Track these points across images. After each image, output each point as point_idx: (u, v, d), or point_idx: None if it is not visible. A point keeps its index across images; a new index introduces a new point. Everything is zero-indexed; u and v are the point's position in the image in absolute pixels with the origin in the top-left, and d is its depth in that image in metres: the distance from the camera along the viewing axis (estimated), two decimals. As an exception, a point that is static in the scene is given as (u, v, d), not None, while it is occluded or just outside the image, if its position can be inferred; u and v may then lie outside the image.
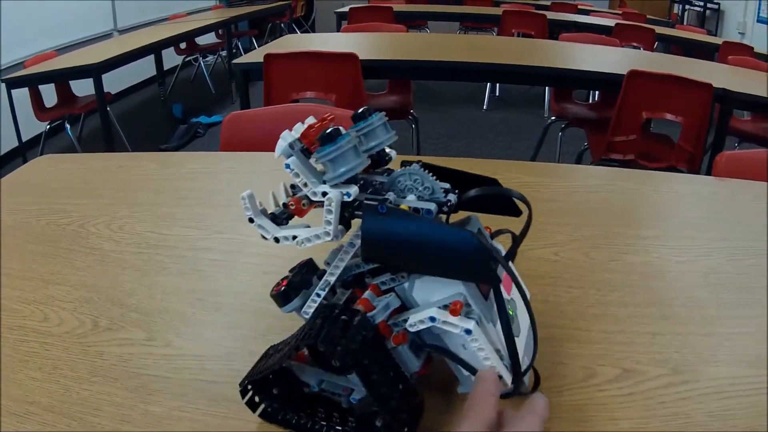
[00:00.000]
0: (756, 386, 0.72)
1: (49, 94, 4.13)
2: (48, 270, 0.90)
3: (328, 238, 0.59)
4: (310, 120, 0.63)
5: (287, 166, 0.58)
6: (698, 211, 1.24)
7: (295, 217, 0.64)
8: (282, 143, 0.60)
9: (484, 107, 6.00)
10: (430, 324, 0.58)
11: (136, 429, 0.62)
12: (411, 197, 0.61)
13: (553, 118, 3.80)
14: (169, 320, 0.79)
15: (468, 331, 0.57)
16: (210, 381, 0.70)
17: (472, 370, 0.59)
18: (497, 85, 6.32)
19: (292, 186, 0.64)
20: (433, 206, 0.59)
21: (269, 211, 0.64)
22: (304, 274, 0.67)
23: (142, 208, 1.10)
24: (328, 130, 0.58)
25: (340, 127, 0.58)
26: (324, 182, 0.59)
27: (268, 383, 0.64)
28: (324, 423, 0.64)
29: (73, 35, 5.38)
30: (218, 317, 0.81)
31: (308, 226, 0.61)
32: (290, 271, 0.68)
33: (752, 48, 5.02)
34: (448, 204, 0.61)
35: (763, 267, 0.99)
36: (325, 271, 0.66)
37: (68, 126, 4.17)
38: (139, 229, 1.03)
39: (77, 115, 4.52)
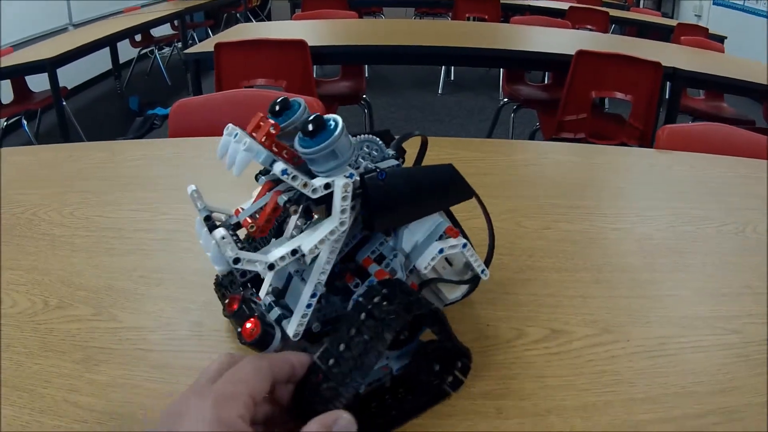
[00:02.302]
0: (686, 345, 0.75)
1: (4, 91, 4.09)
2: (2, 257, 0.92)
3: (343, 229, 0.56)
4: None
5: (284, 171, 0.53)
6: (635, 182, 1.29)
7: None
8: (244, 149, 0.55)
9: (439, 91, 6.03)
10: (439, 257, 0.63)
11: (82, 396, 0.65)
12: (365, 164, 0.61)
13: (506, 99, 3.85)
14: (115, 296, 0.82)
15: (465, 245, 0.66)
16: (150, 350, 0.73)
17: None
18: (452, 69, 6.35)
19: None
20: (395, 163, 0.62)
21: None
22: (249, 301, 0.62)
23: (91, 195, 1.12)
24: (310, 117, 0.55)
25: (318, 114, 0.56)
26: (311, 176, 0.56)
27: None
28: (386, 410, 0.62)
29: (28, 31, 5.31)
30: (160, 291, 0.84)
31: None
32: (223, 297, 0.69)
33: (707, 30, 5.12)
34: (401, 162, 0.64)
35: (698, 233, 1.03)
36: (260, 281, 0.67)
37: (25, 122, 4.13)
38: (89, 214, 1.05)
39: (34, 112, 4.48)
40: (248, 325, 0.58)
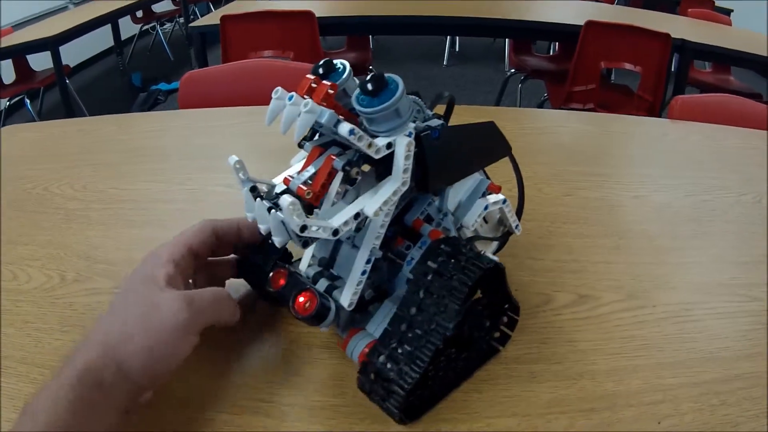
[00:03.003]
0: (710, 312, 0.76)
1: (6, 71, 4.07)
2: (15, 233, 0.91)
3: (405, 189, 0.55)
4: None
5: (351, 132, 0.50)
6: (651, 151, 1.28)
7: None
8: (306, 110, 0.50)
9: (444, 63, 6.00)
10: (485, 213, 0.66)
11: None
12: (415, 124, 0.57)
13: (513, 70, 3.83)
14: (134, 267, 0.81)
15: (505, 201, 0.70)
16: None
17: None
18: (457, 40, 6.31)
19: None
20: (440, 122, 0.60)
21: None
22: (294, 275, 0.61)
23: (103, 168, 1.11)
24: (370, 76, 0.53)
25: (379, 72, 0.54)
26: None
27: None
28: (444, 373, 0.61)
29: (28, 10, 5.29)
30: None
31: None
32: (255, 275, 0.68)
33: (713, 2, 5.08)
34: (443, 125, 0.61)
35: (716, 202, 1.03)
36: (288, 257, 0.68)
37: (28, 101, 4.13)
38: (102, 187, 1.04)
39: (36, 90, 4.47)
40: (301, 299, 0.57)
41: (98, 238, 0.89)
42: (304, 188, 0.54)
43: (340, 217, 0.53)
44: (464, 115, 1.34)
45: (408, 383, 0.53)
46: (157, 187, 1.05)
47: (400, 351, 0.54)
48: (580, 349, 0.68)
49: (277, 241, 0.54)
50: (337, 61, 0.58)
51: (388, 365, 0.54)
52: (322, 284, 0.60)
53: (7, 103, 4.30)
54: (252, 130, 1.30)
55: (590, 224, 0.94)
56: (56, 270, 0.82)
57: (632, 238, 0.91)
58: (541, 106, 3.58)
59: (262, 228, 0.55)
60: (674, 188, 1.07)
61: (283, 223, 0.52)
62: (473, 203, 0.65)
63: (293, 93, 0.52)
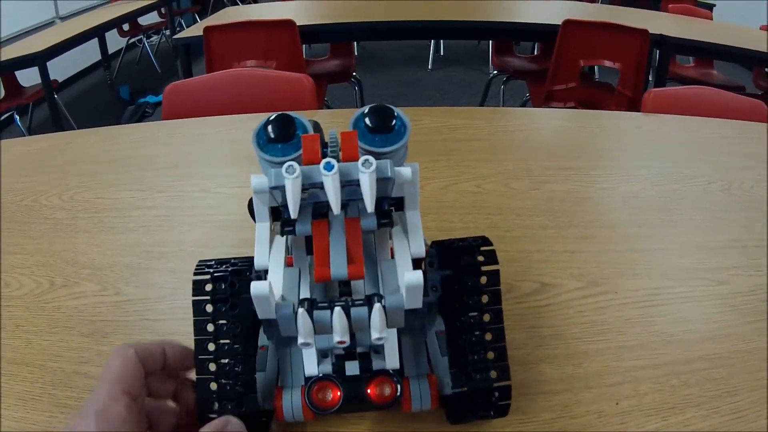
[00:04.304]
0: (675, 296, 0.78)
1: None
2: (5, 242, 0.94)
3: None
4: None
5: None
6: (622, 144, 1.31)
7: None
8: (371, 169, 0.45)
9: (429, 67, 6.02)
10: None
11: (93, 367, 0.67)
12: None
13: (495, 72, 3.86)
14: (119, 272, 0.85)
15: None
16: (156, 319, 0.76)
17: None
18: (441, 44, 6.34)
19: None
20: None
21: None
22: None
23: (90, 178, 1.14)
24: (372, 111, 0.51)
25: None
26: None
27: None
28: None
29: (15, 26, 5.30)
30: (162, 264, 0.87)
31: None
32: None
33: (695, -3, 5.12)
34: None
35: (685, 191, 1.05)
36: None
37: (17, 117, 4.14)
38: (89, 197, 1.07)
39: (26, 106, 4.48)
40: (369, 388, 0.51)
41: (84, 245, 0.92)
42: None
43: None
44: (443, 116, 1.39)
45: None
46: (141, 194, 1.07)
47: None
48: (540, 335, 0.71)
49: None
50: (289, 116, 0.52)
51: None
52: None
53: (-3, 119, 4.32)
54: (236, 137, 1.32)
55: (556, 216, 0.97)
56: (45, 276, 0.85)
57: (598, 228, 0.94)
58: (523, 106, 3.61)
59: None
60: (643, 179, 1.10)
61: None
62: None
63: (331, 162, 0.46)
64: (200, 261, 0.54)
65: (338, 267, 0.48)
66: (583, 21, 2.90)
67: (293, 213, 0.46)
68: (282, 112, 0.50)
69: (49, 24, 5.80)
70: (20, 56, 3.69)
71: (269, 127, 0.49)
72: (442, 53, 6.39)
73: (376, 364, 0.52)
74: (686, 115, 1.45)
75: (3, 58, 3.64)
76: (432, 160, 1.15)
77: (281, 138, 0.49)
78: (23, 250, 0.92)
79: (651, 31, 2.78)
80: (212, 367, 0.51)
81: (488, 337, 0.54)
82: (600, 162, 1.19)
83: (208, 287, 0.52)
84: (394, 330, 0.51)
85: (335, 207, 0.45)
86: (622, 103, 2.94)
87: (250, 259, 0.53)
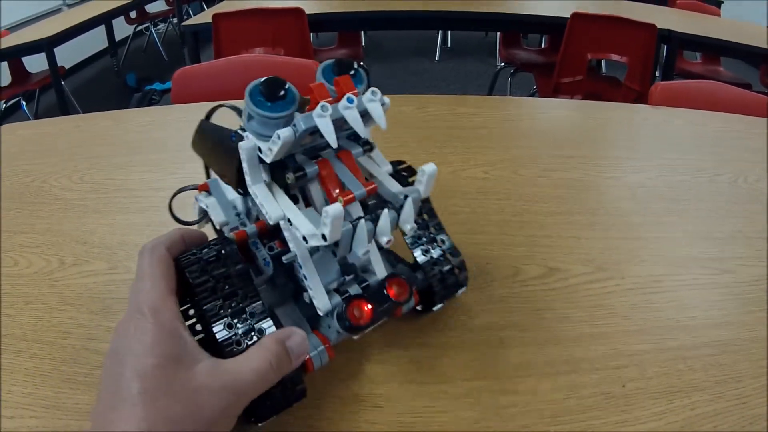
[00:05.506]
0: (680, 283, 0.78)
1: (2, 73, 4.10)
2: (14, 222, 0.94)
3: None
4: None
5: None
6: (630, 135, 1.30)
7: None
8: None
9: (436, 58, 6.02)
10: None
11: (103, 344, 0.68)
12: None
13: (503, 64, 3.86)
14: (129, 251, 0.85)
15: None
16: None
17: None
18: (448, 36, 6.33)
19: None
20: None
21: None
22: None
23: (100, 160, 1.14)
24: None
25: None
26: None
27: None
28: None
29: (23, 13, 5.30)
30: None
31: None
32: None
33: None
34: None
35: (691, 182, 1.05)
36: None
37: (24, 103, 4.15)
38: (98, 178, 1.07)
39: (32, 92, 4.49)
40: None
41: (94, 224, 0.92)
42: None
43: None
44: (451, 104, 1.39)
45: None
46: (151, 176, 1.08)
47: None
48: (547, 317, 0.72)
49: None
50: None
51: None
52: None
53: (4, 105, 4.32)
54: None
55: (564, 203, 0.97)
56: (55, 255, 0.85)
57: (605, 215, 0.94)
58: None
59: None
60: (650, 169, 1.10)
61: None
62: None
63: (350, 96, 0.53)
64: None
65: (357, 188, 0.55)
66: (592, 14, 2.90)
67: (333, 143, 0.51)
68: (273, 76, 0.53)
69: (56, 10, 5.80)
70: (28, 42, 3.70)
71: (267, 88, 0.52)
72: (449, 44, 6.38)
73: (371, 280, 0.60)
74: (693, 109, 1.45)
75: (10, 44, 3.64)
76: (438, 146, 1.16)
77: (279, 97, 0.52)
78: (33, 229, 0.92)
79: (659, 26, 2.78)
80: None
81: (431, 230, 0.67)
82: (607, 152, 1.19)
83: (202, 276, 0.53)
84: (374, 244, 0.59)
85: (360, 132, 0.52)
86: (629, 97, 2.94)
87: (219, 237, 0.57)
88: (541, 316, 0.72)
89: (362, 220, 0.55)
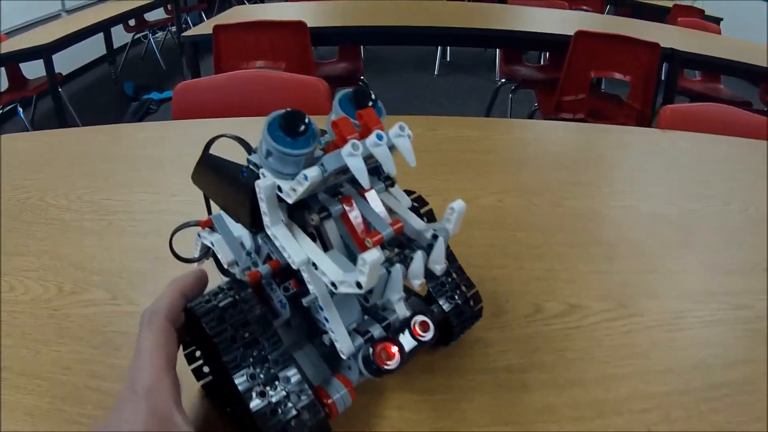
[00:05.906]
0: (699, 320, 0.77)
1: (-1, 78, 4.08)
2: (11, 243, 0.92)
3: None
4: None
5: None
6: (639, 160, 1.29)
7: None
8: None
9: (435, 73, 6.02)
10: None
11: (104, 382, 0.65)
12: None
13: (503, 80, 3.85)
14: (130, 279, 0.82)
15: None
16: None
17: None
18: (448, 50, 6.34)
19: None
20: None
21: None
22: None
23: (98, 178, 1.12)
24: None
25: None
26: None
27: None
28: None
29: (21, 18, 5.28)
30: (176, 272, 0.82)
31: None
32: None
33: (703, 11, 5.11)
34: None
35: (704, 211, 1.04)
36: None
37: (20, 110, 4.13)
38: (97, 198, 1.05)
39: (29, 99, 4.47)
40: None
41: (93, 248, 0.90)
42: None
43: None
44: (454, 126, 1.37)
45: None
46: (151, 197, 1.05)
47: None
48: (569, 357, 0.69)
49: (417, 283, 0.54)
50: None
51: None
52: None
53: (0, 111, 4.30)
54: (250, 140, 1.28)
55: (580, 234, 0.96)
56: (53, 281, 0.82)
57: (621, 247, 0.92)
58: (531, 115, 3.59)
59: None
60: (662, 197, 1.09)
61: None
62: None
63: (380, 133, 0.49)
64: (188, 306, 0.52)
65: (384, 228, 0.52)
66: (595, 32, 2.89)
67: (366, 184, 0.48)
68: (293, 109, 0.50)
69: (55, 17, 5.78)
70: (25, 48, 3.68)
71: (287, 123, 0.49)
72: (448, 59, 6.38)
73: (391, 318, 0.56)
74: (702, 132, 1.44)
75: (8, 50, 3.62)
76: (450, 171, 1.14)
77: (299, 132, 0.49)
78: (29, 251, 0.90)
79: (662, 45, 2.77)
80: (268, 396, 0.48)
81: (453, 276, 0.65)
82: (618, 178, 1.18)
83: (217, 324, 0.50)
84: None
85: (388, 170, 0.50)
86: (631, 116, 2.93)
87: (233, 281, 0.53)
88: (564, 357, 0.70)
89: (397, 265, 0.52)
